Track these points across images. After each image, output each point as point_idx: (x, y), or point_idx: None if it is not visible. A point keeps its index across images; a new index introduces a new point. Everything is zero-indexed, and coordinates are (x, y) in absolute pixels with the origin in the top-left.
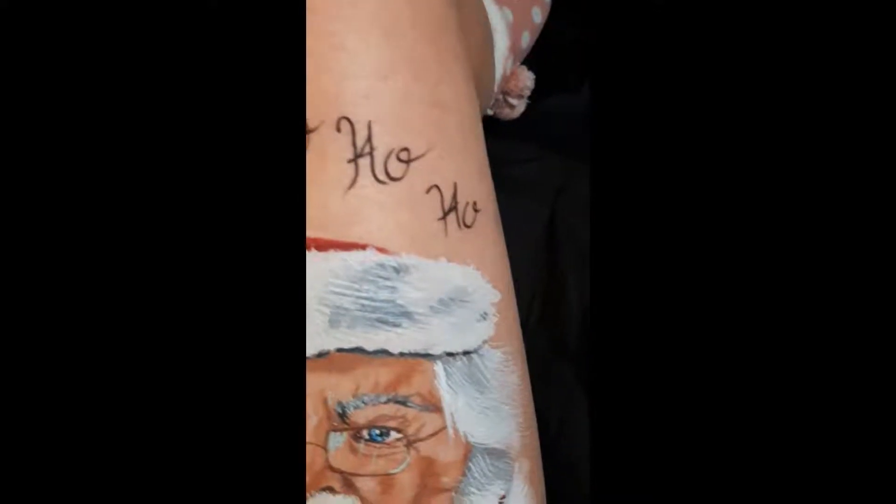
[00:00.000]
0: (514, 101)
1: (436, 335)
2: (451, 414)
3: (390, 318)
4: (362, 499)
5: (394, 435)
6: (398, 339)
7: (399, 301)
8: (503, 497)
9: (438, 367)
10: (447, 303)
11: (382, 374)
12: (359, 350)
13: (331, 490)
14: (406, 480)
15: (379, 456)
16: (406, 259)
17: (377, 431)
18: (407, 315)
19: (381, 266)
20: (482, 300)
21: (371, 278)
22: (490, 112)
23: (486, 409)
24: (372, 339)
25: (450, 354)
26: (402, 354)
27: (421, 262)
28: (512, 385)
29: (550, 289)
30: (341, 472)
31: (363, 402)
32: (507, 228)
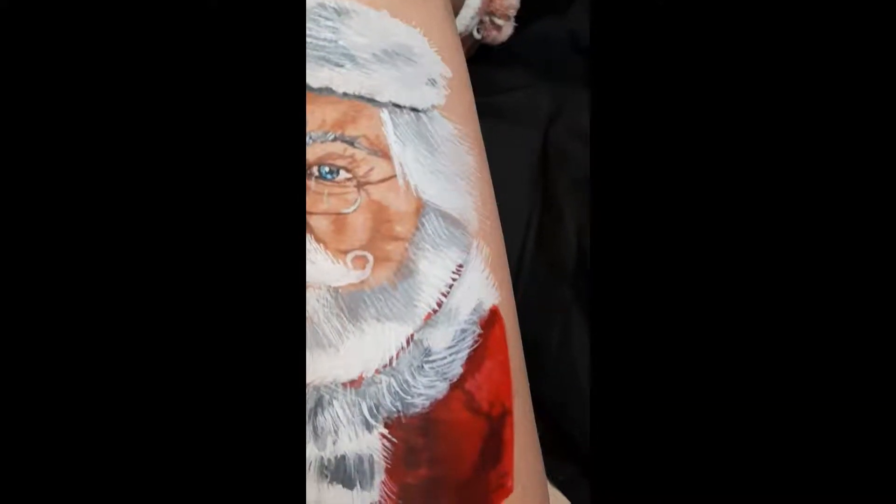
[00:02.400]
0: (499, 22)
1: (380, 82)
2: (401, 164)
3: (333, 58)
4: (316, 237)
5: (343, 174)
6: (341, 79)
7: (341, 42)
8: (460, 266)
9: (385, 115)
10: (391, 55)
11: (328, 111)
12: (305, 87)
13: None
14: (358, 221)
15: (330, 194)
16: (348, 3)
17: (326, 169)
18: (350, 57)
19: (322, 6)
20: (430, 66)
21: (313, 17)
22: (478, 36)
23: (438, 171)
24: (316, 76)
25: (396, 105)
26: (345, 95)
27: (363, 8)
28: (467, 163)
29: (545, 216)
30: None
31: (311, 139)
32: (499, 157)
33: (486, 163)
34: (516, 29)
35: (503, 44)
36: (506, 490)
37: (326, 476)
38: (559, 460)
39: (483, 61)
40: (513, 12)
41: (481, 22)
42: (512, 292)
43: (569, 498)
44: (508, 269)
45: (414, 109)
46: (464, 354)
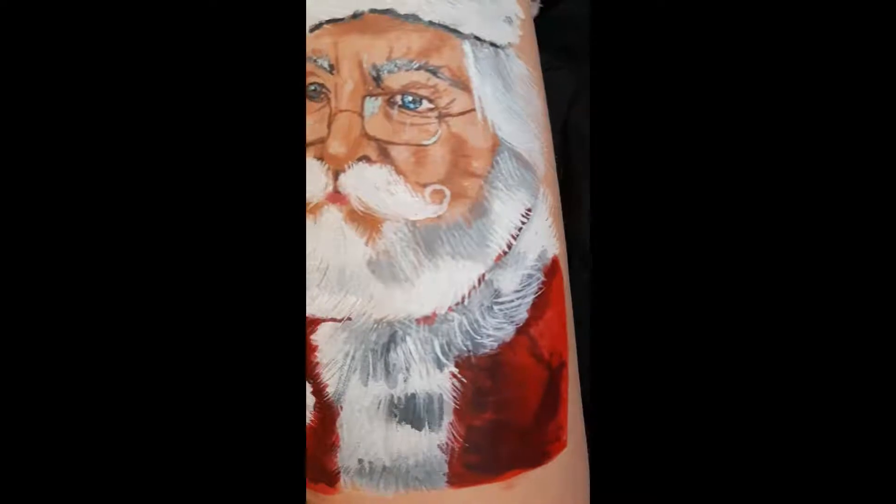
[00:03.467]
0: None
1: (464, 14)
2: (479, 98)
3: None
4: (396, 168)
5: (426, 104)
6: (429, 7)
7: None
8: (529, 210)
9: (467, 47)
10: None
11: (414, 39)
12: (391, 12)
13: (367, 160)
14: (438, 154)
15: (412, 124)
16: None
17: (410, 98)
18: None
19: None
20: (507, 3)
21: None
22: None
23: (512, 110)
24: (404, 2)
25: (478, 39)
26: (431, 23)
27: None
28: (536, 106)
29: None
30: (376, 140)
31: (396, 66)
32: None
33: (547, 111)
34: (540, 10)
35: None
36: (561, 444)
37: (395, 415)
38: None
39: None
40: None
41: None
42: (566, 247)
43: None
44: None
45: (493, 45)
46: (529, 300)
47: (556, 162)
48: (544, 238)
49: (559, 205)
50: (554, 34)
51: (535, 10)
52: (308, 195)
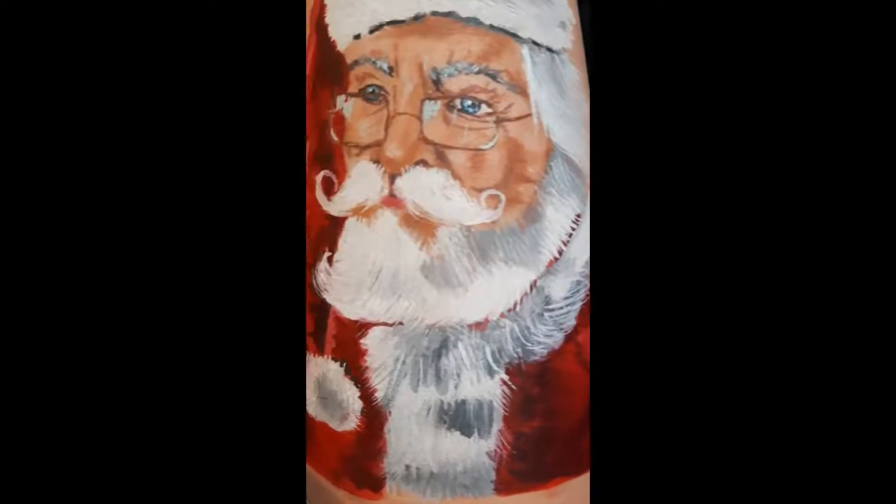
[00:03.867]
0: None
1: (523, 18)
2: (536, 103)
3: None
4: (453, 173)
5: (484, 108)
6: (490, 10)
7: None
8: (578, 216)
9: (525, 52)
10: None
11: (475, 42)
12: (453, 15)
13: (424, 163)
14: (495, 159)
15: (470, 129)
16: None
17: (469, 102)
18: None
19: None
20: (561, 8)
21: None
22: None
23: (566, 115)
24: (465, 5)
25: (535, 43)
26: (492, 27)
27: None
28: (585, 112)
29: None
30: (434, 144)
31: (456, 70)
32: None
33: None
34: None
35: None
36: None
37: (445, 422)
38: None
39: None
40: None
41: None
42: None
43: None
44: None
45: (549, 49)
46: (577, 307)
47: None
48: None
49: None
50: None
51: None
52: (362, 198)
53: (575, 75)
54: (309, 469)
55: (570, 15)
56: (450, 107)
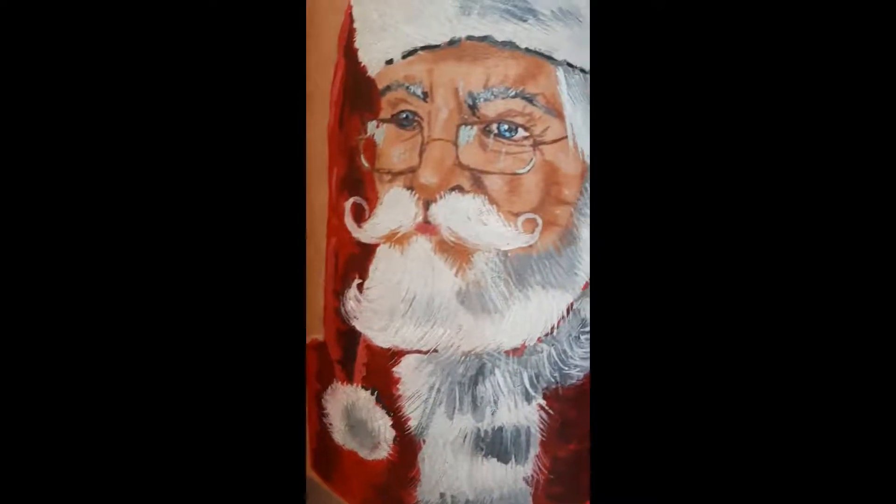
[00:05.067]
0: None
1: (558, 40)
2: (571, 125)
3: (518, 12)
4: (490, 198)
5: (521, 132)
6: (525, 34)
7: None
8: None
9: (560, 74)
10: (566, 14)
11: (511, 66)
12: (489, 39)
13: (460, 189)
14: (532, 183)
15: (507, 153)
16: None
17: (506, 126)
18: (532, 12)
19: None
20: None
21: None
22: None
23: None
24: (501, 29)
25: (570, 65)
26: (528, 50)
27: None
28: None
29: None
30: (471, 170)
31: (493, 95)
32: None
33: None
34: None
35: None
36: None
37: (482, 449)
38: None
39: None
40: None
41: None
42: None
43: None
44: None
45: (583, 70)
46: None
47: None
48: None
49: None
50: None
51: None
52: (396, 225)
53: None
54: (334, 495)
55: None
56: (486, 131)
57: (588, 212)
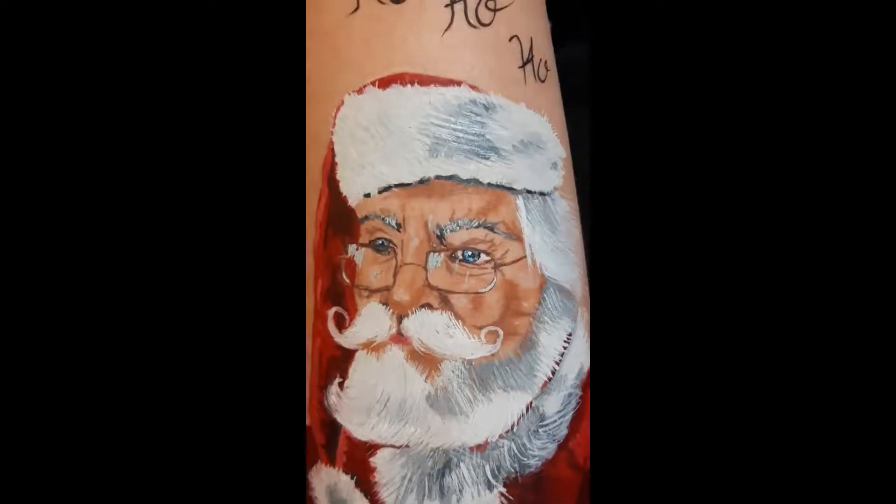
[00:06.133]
0: None
1: (518, 171)
2: (530, 245)
3: (481, 151)
4: (456, 314)
5: (483, 257)
6: (487, 170)
7: (488, 136)
8: (570, 335)
9: (520, 202)
10: (527, 144)
11: (475, 200)
12: (455, 178)
13: (429, 307)
14: (493, 300)
15: (471, 275)
16: (494, 98)
17: (469, 253)
18: (494, 150)
19: (474, 102)
20: (553, 150)
21: (465, 113)
22: None
23: (557, 248)
24: (466, 168)
25: (529, 192)
26: (490, 185)
27: (506, 102)
28: (575, 236)
29: None
30: (438, 290)
31: (458, 226)
32: None
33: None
34: None
35: None
36: None
37: None
38: None
39: None
40: None
41: None
42: None
43: None
44: None
45: (542, 193)
46: (569, 417)
47: None
48: (581, 355)
49: (588, 296)
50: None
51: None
52: (372, 334)
53: (566, 207)
54: None
55: (561, 151)
56: (452, 257)
57: (547, 318)
